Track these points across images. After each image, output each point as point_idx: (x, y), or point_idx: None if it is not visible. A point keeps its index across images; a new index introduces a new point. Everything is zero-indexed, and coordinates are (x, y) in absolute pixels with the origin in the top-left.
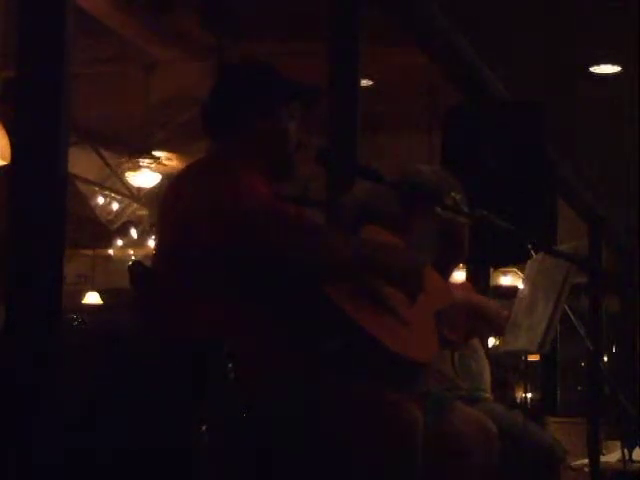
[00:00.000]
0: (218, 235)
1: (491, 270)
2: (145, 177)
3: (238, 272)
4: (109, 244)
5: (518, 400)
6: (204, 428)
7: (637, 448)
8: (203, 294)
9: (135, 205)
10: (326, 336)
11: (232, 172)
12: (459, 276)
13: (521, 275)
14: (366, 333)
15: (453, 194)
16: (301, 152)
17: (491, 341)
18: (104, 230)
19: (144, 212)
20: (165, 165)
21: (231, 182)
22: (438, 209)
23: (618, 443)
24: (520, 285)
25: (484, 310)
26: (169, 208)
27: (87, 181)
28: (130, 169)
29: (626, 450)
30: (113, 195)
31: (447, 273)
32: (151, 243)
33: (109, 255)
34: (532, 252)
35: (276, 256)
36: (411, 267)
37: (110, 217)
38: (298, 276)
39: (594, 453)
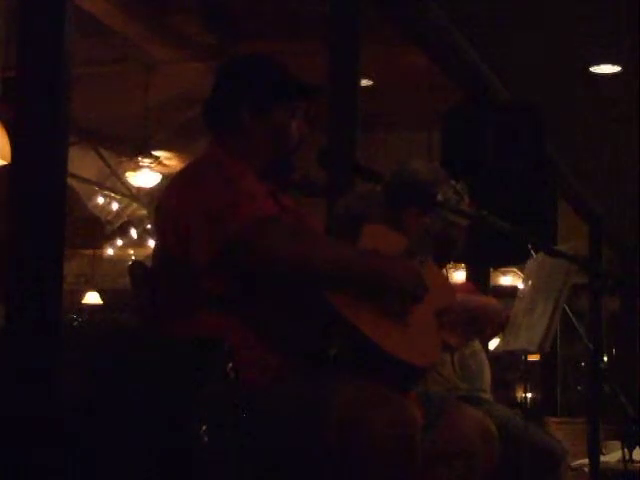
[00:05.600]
0: (217, 242)
1: (491, 270)
2: (145, 177)
3: (237, 276)
4: (109, 244)
5: (518, 400)
6: (204, 428)
7: (637, 448)
8: (203, 295)
9: (135, 205)
10: (325, 339)
11: (230, 175)
12: (459, 276)
13: (521, 275)
14: (366, 337)
15: (453, 182)
16: (301, 150)
17: (492, 342)
18: (104, 230)
19: (144, 212)
20: (165, 165)
21: (230, 187)
22: (438, 209)
23: (618, 443)
24: (520, 285)
25: (483, 310)
26: (168, 210)
27: (87, 181)
28: (130, 169)
29: (626, 450)
30: (113, 195)
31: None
32: (151, 243)
33: (109, 255)
34: (532, 252)
35: (275, 263)
36: (411, 276)
37: (110, 217)
38: (297, 281)
39: (594, 453)
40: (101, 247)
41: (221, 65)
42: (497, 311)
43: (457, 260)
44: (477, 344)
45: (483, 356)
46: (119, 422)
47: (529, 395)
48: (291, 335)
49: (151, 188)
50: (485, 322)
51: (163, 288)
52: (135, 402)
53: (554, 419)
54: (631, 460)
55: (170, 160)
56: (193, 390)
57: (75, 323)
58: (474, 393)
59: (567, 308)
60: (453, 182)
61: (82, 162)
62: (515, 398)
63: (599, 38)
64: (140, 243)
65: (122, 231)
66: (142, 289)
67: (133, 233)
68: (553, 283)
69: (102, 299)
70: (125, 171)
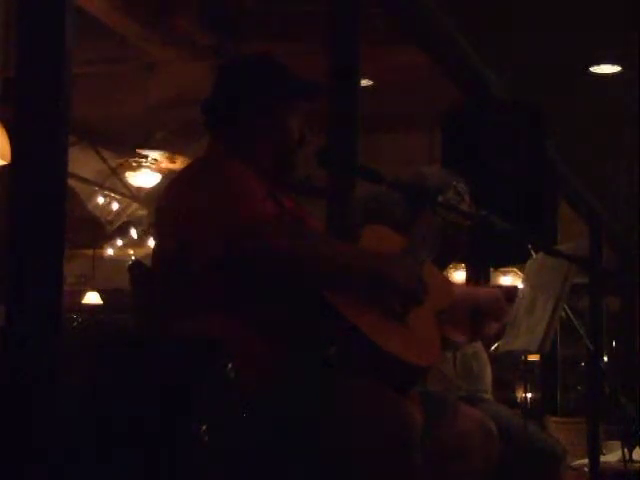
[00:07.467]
0: (217, 243)
1: (491, 270)
2: (145, 177)
3: (237, 276)
4: (109, 244)
5: (518, 400)
6: (204, 428)
7: (637, 448)
8: (203, 295)
9: (135, 205)
10: (326, 339)
11: (230, 176)
12: (459, 276)
13: (521, 275)
14: (365, 337)
15: (454, 183)
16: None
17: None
18: (104, 230)
19: (144, 212)
20: (165, 165)
21: (229, 188)
22: (439, 210)
23: (618, 443)
24: (520, 285)
25: (482, 299)
26: (167, 210)
27: (87, 181)
28: (130, 169)
29: (626, 450)
30: (113, 195)
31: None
32: (151, 243)
33: (109, 255)
34: (532, 252)
35: (275, 263)
36: (410, 277)
37: (110, 217)
38: (297, 281)
39: (594, 453)
40: (101, 247)
41: (222, 64)
42: (496, 296)
43: (457, 260)
44: (479, 344)
45: (484, 356)
46: (119, 422)
47: (529, 395)
48: (291, 335)
49: (151, 188)
50: (487, 310)
51: (163, 288)
52: (135, 402)
53: (554, 419)
54: (631, 460)
55: (170, 160)
56: (193, 390)
57: (75, 323)
58: (475, 393)
59: (567, 308)
60: (454, 183)
61: (82, 162)
62: (515, 398)
63: (599, 38)
64: (140, 243)
65: (122, 231)
66: (142, 289)
67: (133, 233)
68: (553, 283)
69: (102, 299)
70: (125, 171)
